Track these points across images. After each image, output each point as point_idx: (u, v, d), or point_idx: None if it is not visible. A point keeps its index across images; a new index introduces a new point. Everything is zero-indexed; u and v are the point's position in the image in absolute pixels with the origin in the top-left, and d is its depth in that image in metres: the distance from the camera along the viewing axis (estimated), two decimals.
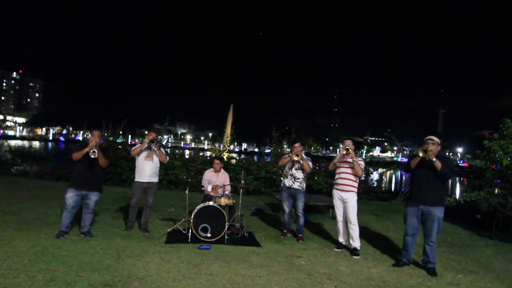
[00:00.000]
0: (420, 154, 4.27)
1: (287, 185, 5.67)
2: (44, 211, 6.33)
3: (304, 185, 5.67)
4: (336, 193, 5.22)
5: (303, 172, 5.63)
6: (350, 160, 5.10)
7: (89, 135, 5.02)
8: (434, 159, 4.23)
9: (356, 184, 5.15)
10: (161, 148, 5.59)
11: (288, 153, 5.97)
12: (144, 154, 5.50)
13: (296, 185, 5.59)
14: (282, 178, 5.88)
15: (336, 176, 5.27)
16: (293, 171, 5.63)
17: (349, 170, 5.13)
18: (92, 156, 4.76)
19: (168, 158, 5.86)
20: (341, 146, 5.37)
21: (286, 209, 5.76)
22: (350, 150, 5.04)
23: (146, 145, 5.43)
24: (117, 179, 10.77)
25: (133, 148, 5.59)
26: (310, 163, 5.66)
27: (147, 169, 5.45)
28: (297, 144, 5.62)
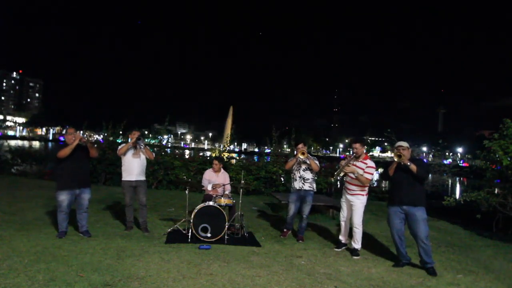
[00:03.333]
0: (396, 159, 4.41)
1: (297, 188, 5.54)
2: (44, 211, 6.33)
3: (314, 186, 5.58)
4: (344, 194, 5.16)
5: (311, 172, 5.55)
6: (354, 176, 4.92)
7: (88, 135, 4.97)
8: (408, 163, 4.36)
9: (364, 188, 5.01)
10: (146, 146, 5.60)
11: (294, 156, 5.77)
12: (131, 152, 5.49)
13: (306, 186, 5.51)
14: (291, 182, 5.70)
15: (345, 178, 5.18)
16: (301, 172, 5.53)
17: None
18: (81, 142, 4.74)
19: (154, 154, 5.85)
20: (350, 150, 5.23)
21: (291, 211, 5.62)
22: (352, 171, 4.86)
23: (131, 144, 5.42)
24: (117, 179, 10.75)
25: (119, 147, 5.55)
26: (317, 162, 5.59)
27: (135, 167, 5.45)
28: (300, 145, 5.54)
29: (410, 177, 4.43)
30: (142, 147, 5.43)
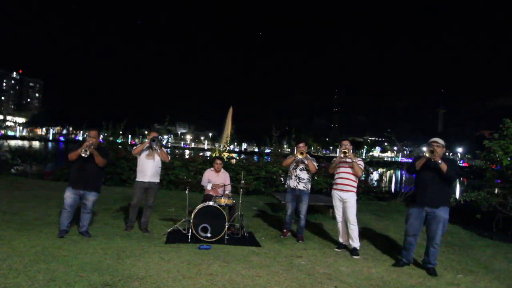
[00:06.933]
0: (427, 155, 4.25)
1: (292, 186, 5.61)
2: (44, 211, 6.32)
3: (309, 186, 5.63)
4: (335, 193, 5.20)
5: (308, 173, 5.59)
6: (349, 160, 5.11)
7: (84, 149, 4.96)
8: (439, 161, 4.21)
9: (355, 184, 5.14)
10: (162, 147, 5.58)
11: (292, 154, 5.92)
12: (145, 153, 5.49)
13: (301, 186, 5.55)
14: (286, 180, 5.79)
15: (336, 176, 5.26)
16: (298, 171, 5.58)
17: (349, 170, 5.13)
18: (83, 155, 4.71)
19: (169, 157, 5.85)
20: (339, 146, 5.38)
21: (289, 210, 5.70)
22: (348, 152, 5.04)
23: (147, 145, 5.43)
24: (117, 179, 10.77)
25: (134, 147, 5.59)
26: (315, 163, 5.64)
27: (148, 168, 5.44)
28: (301, 144, 5.58)
29: (437, 177, 4.31)
30: (157, 148, 5.40)
